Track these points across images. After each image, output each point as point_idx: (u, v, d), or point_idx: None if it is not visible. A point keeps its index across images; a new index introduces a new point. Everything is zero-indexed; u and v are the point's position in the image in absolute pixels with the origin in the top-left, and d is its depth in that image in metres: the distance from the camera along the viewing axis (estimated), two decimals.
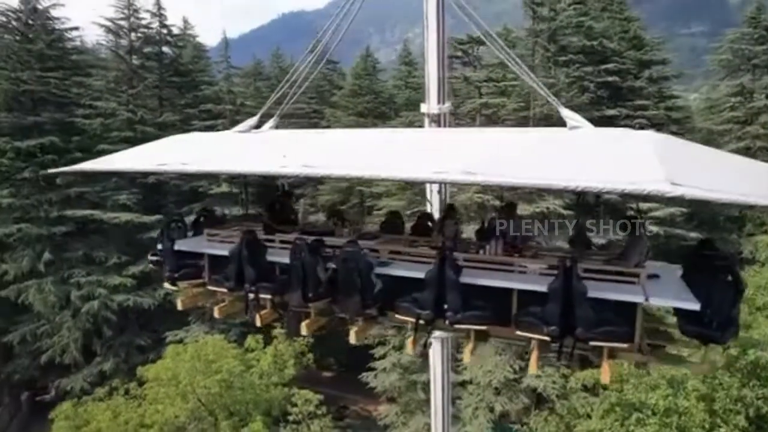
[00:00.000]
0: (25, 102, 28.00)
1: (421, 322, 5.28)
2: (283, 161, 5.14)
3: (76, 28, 29.52)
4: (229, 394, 19.43)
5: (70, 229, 27.36)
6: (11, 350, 29.38)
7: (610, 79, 28.24)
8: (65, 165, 26.89)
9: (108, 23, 29.08)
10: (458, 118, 30.87)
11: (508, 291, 5.44)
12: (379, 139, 7.01)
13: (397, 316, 5.43)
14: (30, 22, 28.43)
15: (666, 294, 5.13)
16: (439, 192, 10.29)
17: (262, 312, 6.22)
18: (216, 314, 6.69)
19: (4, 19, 28.11)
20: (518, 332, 5.33)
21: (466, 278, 5.25)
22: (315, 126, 41.37)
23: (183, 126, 28.19)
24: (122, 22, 29.16)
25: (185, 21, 42.10)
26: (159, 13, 31.31)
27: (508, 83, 27.12)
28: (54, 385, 29.02)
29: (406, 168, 5.07)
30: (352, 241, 5.55)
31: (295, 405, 20.49)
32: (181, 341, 24.76)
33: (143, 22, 30.29)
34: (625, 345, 5.02)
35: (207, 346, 20.13)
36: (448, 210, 7.76)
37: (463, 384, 27.87)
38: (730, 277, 4.82)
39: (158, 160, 6.46)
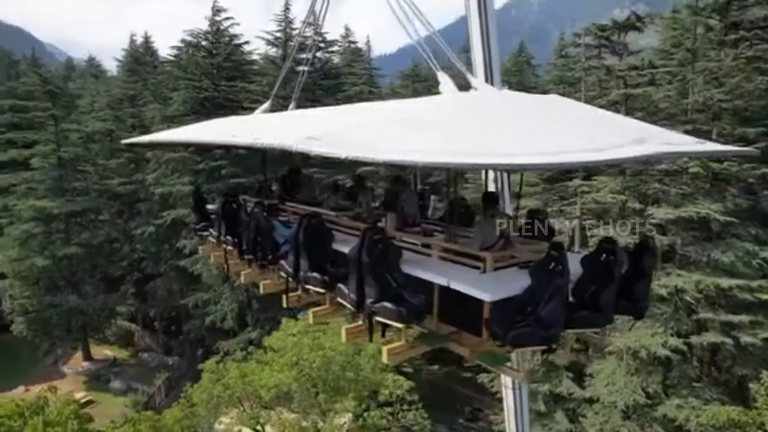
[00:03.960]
0: (207, 106, 33.65)
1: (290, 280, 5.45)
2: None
3: (247, 42, 34.50)
4: (332, 371, 20.83)
5: None
6: (188, 312, 35.63)
7: None
8: (230, 158, 31.61)
9: (266, 35, 33.46)
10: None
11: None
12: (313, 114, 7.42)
13: (281, 273, 5.70)
14: (213, 40, 34.10)
15: (475, 282, 4.60)
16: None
17: (231, 263, 7.07)
18: (211, 260, 7.77)
19: (194, 40, 34.21)
20: (338, 299, 5.18)
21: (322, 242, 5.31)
22: None
23: None
24: (279, 33, 33.24)
25: (346, 29, 45.85)
26: (314, 23, 34.75)
27: (655, 71, 23.89)
28: (217, 346, 34.36)
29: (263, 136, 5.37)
30: (271, 205, 6.00)
31: (387, 387, 21.10)
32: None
33: (297, 31, 33.96)
34: (399, 325, 4.59)
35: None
36: (358, 180, 7.74)
37: (590, 401, 25.48)
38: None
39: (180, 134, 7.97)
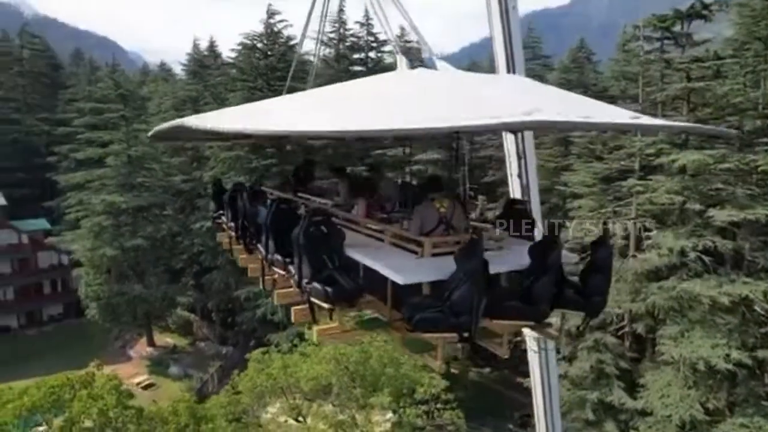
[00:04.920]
0: None
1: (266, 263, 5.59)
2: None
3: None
4: (370, 366, 20.95)
5: None
6: (241, 305, 37.01)
7: None
8: (279, 157, 32.54)
9: (319, 36, 34.25)
10: (664, 108, 26.47)
11: None
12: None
13: (258, 256, 5.85)
14: (268, 42, 35.28)
15: (394, 265, 4.57)
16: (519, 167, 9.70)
17: (234, 248, 7.35)
18: (224, 246, 8.14)
19: (251, 42, 35.55)
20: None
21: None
22: None
23: None
24: (333, 34, 33.91)
25: (402, 28, 45.92)
26: (367, 23, 35.28)
27: (720, 63, 22.24)
28: (268, 338, 35.44)
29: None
30: (256, 191, 6.18)
31: (423, 385, 20.96)
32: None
33: (351, 32, 34.60)
34: (326, 305, 4.58)
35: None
36: (337, 169, 7.71)
37: (642, 414, 24.14)
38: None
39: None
